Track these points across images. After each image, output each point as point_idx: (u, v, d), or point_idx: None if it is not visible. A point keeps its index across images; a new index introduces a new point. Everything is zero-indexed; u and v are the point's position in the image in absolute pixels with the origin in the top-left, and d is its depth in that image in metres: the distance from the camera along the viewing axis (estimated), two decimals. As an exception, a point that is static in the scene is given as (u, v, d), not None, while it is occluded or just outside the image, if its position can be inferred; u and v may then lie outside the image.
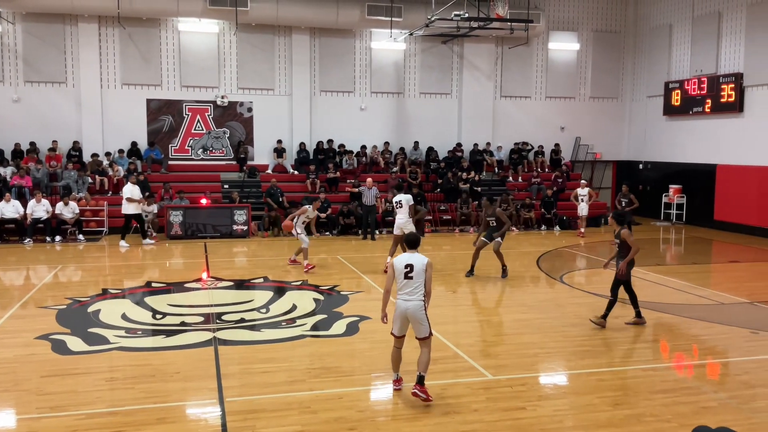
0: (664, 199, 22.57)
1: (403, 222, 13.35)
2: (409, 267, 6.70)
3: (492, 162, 22.83)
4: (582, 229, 19.23)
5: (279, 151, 21.66)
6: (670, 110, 22.44)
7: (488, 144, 23.22)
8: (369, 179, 18.80)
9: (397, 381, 6.97)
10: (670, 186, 22.40)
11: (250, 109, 21.78)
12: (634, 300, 9.57)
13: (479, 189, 21.22)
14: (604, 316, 9.37)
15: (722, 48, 20.54)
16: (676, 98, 22.10)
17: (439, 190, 21.44)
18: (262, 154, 21.91)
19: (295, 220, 13.59)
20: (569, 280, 13.27)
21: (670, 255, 15.30)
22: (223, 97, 21.43)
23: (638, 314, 9.58)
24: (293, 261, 14.21)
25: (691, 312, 10.48)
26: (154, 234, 17.91)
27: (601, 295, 11.74)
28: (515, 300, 11.47)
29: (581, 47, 24.19)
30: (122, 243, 16.69)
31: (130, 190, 16.74)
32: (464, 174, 21.51)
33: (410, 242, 6.95)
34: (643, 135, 24.12)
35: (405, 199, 13.52)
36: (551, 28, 23.74)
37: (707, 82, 20.77)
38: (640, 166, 24.41)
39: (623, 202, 17.00)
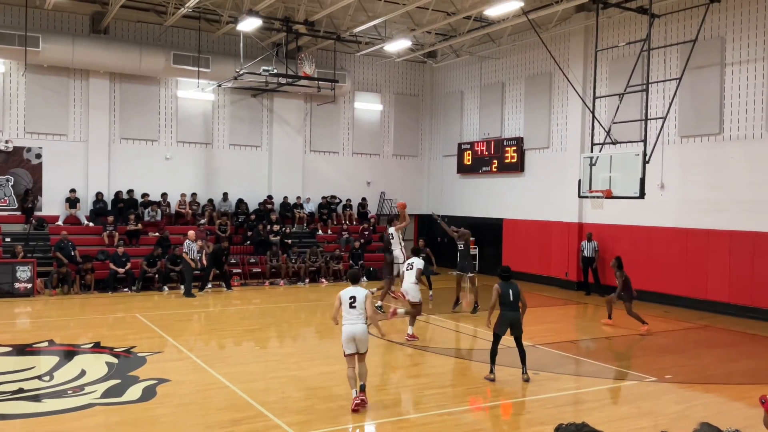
0: (461, 251, 24.24)
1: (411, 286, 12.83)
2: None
3: (302, 215, 23.11)
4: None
5: (72, 201, 20.03)
6: (462, 169, 24.44)
7: (298, 198, 23.50)
8: (191, 232, 18.07)
9: None
10: (465, 238, 24.14)
11: (39, 155, 19.97)
12: (493, 356, 9.87)
13: (289, 241, 21.31)
14: (524, 372, 9.76)
15: (506, 114, 22.94)
16: (467, 158, 24.16)
17: (249, 242, 21.17)
18: (52, 205, 20.08)
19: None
20: (375, 330, 13.64)
21: (465, 302, 16.49)
22: (7, 142, 19.45)
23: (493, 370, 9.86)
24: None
25: (482, 356, 11.27)
26: None
27: (404, 344, 12.25)
28: (322, 353, 11.55)
29: (384, 108, 25.64)
30: None
31: None
32: (274, 226, 21.49)
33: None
34: (440, 191, 25.94)
35: (417, 262, 13.08)
36: (356, 89, 24.92)
37: (494, 145, 23.00)
38: (438, 220, 26.08)
39: (422, 256, 18.00)
